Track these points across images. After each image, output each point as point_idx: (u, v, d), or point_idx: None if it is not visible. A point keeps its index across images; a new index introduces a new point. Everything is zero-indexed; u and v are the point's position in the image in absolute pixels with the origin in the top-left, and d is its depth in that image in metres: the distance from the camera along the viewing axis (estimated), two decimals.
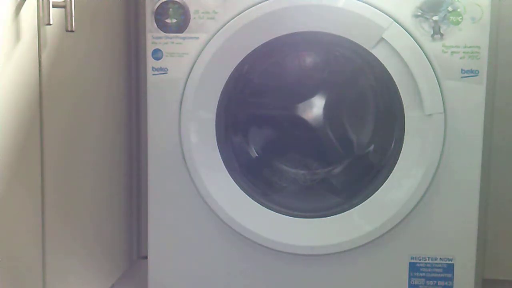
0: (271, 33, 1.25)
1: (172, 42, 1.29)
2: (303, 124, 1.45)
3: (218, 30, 1.26)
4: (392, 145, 1.32)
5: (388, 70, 1.24)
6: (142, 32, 1.50)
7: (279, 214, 1.32)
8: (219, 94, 1.29)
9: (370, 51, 1.24)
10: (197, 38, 1.28)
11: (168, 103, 1.30)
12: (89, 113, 1.22)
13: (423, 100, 1.24)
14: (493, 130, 1.42)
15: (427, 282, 1.31)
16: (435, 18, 1.23)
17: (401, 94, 1.25)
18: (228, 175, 1.32)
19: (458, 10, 1.23)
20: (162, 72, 1.29)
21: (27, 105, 0.96)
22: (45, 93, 1.01)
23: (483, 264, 1.46)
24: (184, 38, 1.28)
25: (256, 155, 1.47)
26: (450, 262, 1.30)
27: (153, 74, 1.30)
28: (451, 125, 1.25)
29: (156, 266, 1.37)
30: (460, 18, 1.23)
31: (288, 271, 1.34)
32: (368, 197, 1.29)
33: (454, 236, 1.29)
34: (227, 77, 1.28)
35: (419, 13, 1.23)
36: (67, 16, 0.99)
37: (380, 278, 1.33)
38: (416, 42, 1.23)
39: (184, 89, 1.29)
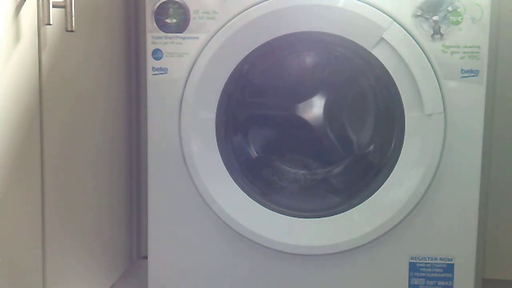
0: (271, 33, 1.25)
1: (172, 42, 1.29)
2: (303, 124, 1.45)
3: (218, 30, 1.26)
4: (392, 145, 1.32)
5: (388, 70, 1.24)
6: (142, 32, 1.50)
7: (279, 214, 1.32)
8: (219, 94, 1.29)
9: (370, 51, 1.24)
10: (197, 38, 1.28)
11: (168, 103, 1.30)
12: (89, 113, 1.22)
13: (423, 100, 1.24)
14: (493, 130, 1.42)
15: (427, 282, 1.31)
16: (435, 18, 1.23)
17: (401, 94, 1.25)
18: (228, 175, 1.32)
19: (458, 10, 1.23)
20: (162, 72, 1.29)
21: (27, 105, 0.96)
22: (45, 93, 1.01)
23: (483, 264, 1.46)
24: (184, 38, 1.28)
25: (256, 155, 1.47)
26: (450, 262, 1.30)
27: (153, 74, 1.30)
28: (451, 125, 1.25)
29: (156, 266, 1.37)
30: (460, 18, 1.23)
31: (288, 271, 1.34)
32: (368, 197, 1.29)
33: (454, 236, 1.29)
34: (227, 77, 1.28)
35: (419, 13, 1.23)
36: (67, 16, 0.99)
37: (380, 278, 1.33)
38: (416, 42, 1.23)
39: (184, 89, 1.29)
